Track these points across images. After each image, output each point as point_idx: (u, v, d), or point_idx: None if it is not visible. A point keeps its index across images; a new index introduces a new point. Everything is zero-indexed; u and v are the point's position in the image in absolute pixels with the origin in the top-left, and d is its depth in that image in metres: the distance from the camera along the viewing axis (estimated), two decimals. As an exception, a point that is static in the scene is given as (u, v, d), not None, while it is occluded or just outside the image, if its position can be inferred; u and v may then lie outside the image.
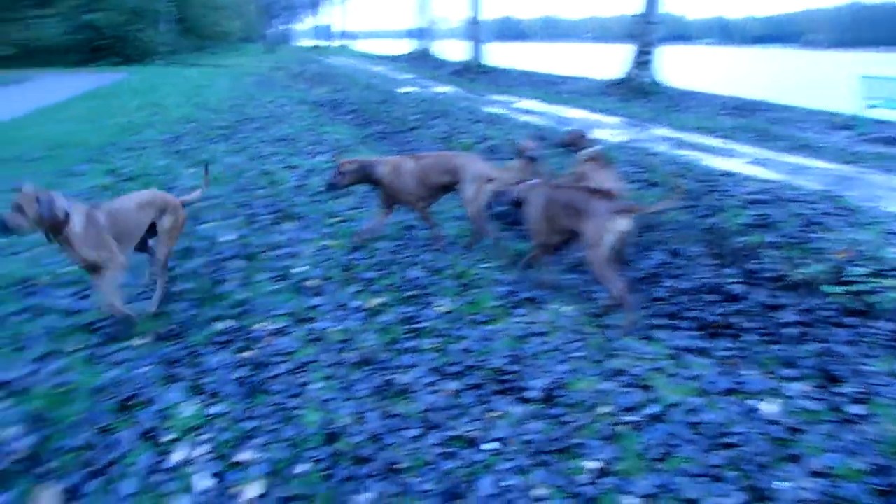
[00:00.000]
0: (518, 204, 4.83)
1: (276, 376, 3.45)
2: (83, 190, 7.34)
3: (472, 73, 25.86)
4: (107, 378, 3.44)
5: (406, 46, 47.05)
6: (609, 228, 4.08)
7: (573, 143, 5.71)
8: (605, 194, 4.32)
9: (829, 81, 26.27)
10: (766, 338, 4.08)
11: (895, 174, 8.07)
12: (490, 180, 5.18)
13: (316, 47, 67.55)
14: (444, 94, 18.22)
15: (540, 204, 4.56)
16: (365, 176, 5.28)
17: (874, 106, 12.45)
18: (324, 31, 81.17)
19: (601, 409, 3.15)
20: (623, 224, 4.11)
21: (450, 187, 5.35)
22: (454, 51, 37.33)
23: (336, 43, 74.18)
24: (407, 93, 18.22)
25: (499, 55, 31.62)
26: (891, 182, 7.62)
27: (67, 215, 3.64)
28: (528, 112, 14.09)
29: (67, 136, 11.36)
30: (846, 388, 3.38)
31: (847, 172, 8.15)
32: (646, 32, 17.92)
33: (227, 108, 14.99)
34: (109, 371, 3.51)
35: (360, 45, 73.26)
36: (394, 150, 9.71)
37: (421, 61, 36.51)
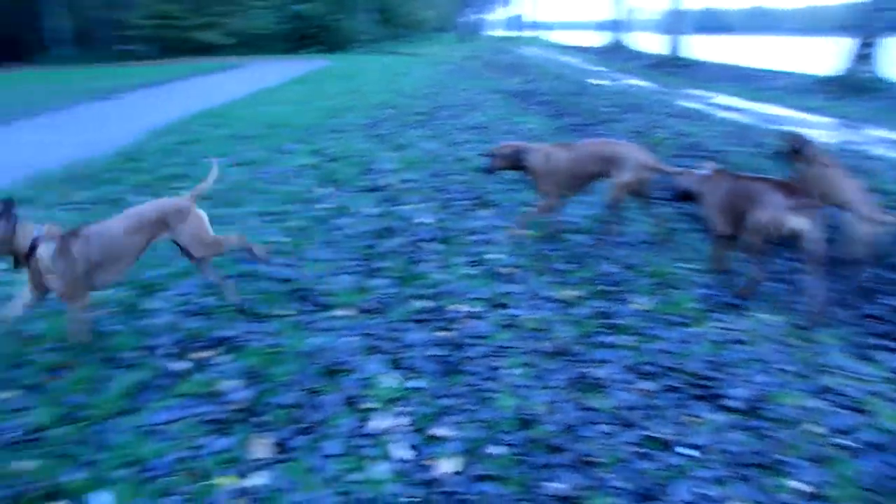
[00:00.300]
0: (686, 196, 4.67)
1: (471, 358, 3.53)
2: (293, 167, 7.90)
3: (669, 66, 24.94)
4: (313, 344, 3.68)
5: (598, 38, 46.26)
6: (781, 222, 3.93)
7: (796, 149, 5.15)
8: (791, 189, 4.08)
9: None
10: None
11: None
12: (651, 169, 4.98)
13: (507, 37, 67.98)
14: (639, 87, 17.75)
15: (719, 194, 4.38)
16: (517, 161, 5.18)
17: None
18: (515, 22, 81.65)
19: (809, 428, 2.95)
20: (799, 223, 3.89)
21: (600, 177, 5.16)
22: (649, 43, 36.18)
23: (527, 33, 74.31)
24: (599, 85, 17.94)
25: (698, 48, 30.24)
26: None
27: (34, 246, 3.47)
28: (727, 109, 13.40)
29: (278, 117, 12.25)
30: None
31: None
32: (871, 21, 16.27)
33: (422, 94, 15.50)
34: (315, 338, 3.75)
35: (552, 36, 72.94)
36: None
37: (614, 53, 35.74)
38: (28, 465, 2.77)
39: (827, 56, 18.65)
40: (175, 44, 39.86)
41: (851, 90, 15.73)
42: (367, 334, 3.79)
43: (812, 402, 3.14)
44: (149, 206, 3.89)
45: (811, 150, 5.03)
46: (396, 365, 3.47)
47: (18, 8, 37.50)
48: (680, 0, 26.91)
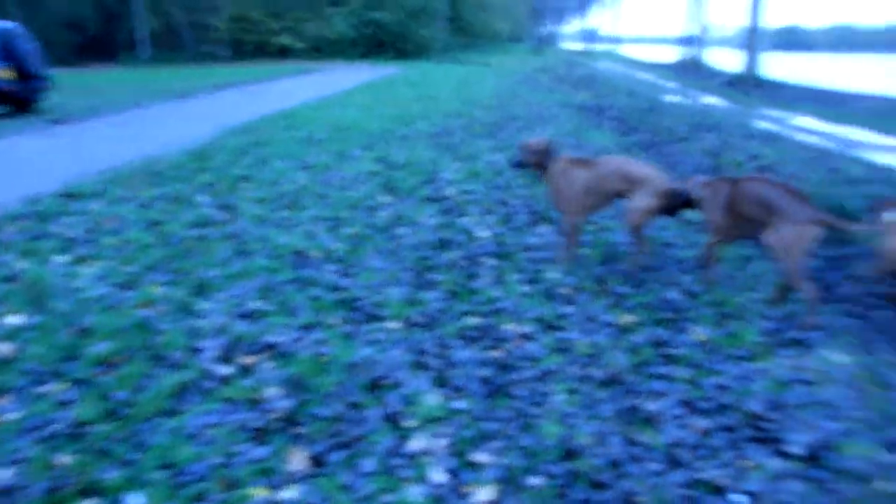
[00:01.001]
0: (688, 203, 4.69)
1: (519, 381, 3.41)
2: (357, 173, 7.92)
3: (747, 85, 24.27)
4: (360, 355, 3.61)
5: (674, 53, 45.45)
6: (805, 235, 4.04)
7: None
8: (802, 196, 4.14)
9: None
10: None
11: None
12: (669, 193, 4.70)
13: (582, 51, 67.38)
14: (714, 106, 17.29)
15: (723, 199, 4.47)
16: (544, 162, 4.93)
17: None
18: (589, 35, 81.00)
19: (880, 486, 2.72)
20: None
21: (619, 197, 4.86)
22: (727, 60, 35.36)
23: (601, 47, 73.60)
24: (673, 102, 17.55)
25: (778, 67, 29.39)
26: None
27: None
28: (807, 131, 12.90)
29: (348, 122, 12.39)
30: None
31: None
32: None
33: (492, 105, 15.45)
34: (363, 349, 3.69)
35: (626, 50, 72.04)
36: (658, 162, 9.35)
37: (689, 70, 35.08)
38: (67, 459, 2.78)
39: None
40: (253, 47, 41.01)
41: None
42: (415, 349, 3.71)
43: (885, 457, 2.90)
44: None
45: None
46: (441, 383, 3.37)
47: (108, 10, 39.22)
48: (759, 16, 26.09)
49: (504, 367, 3.55)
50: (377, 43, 42.08)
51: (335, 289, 4.51)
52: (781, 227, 4.10)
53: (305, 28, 41.71)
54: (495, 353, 3.68)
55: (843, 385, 3.50)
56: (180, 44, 41.59)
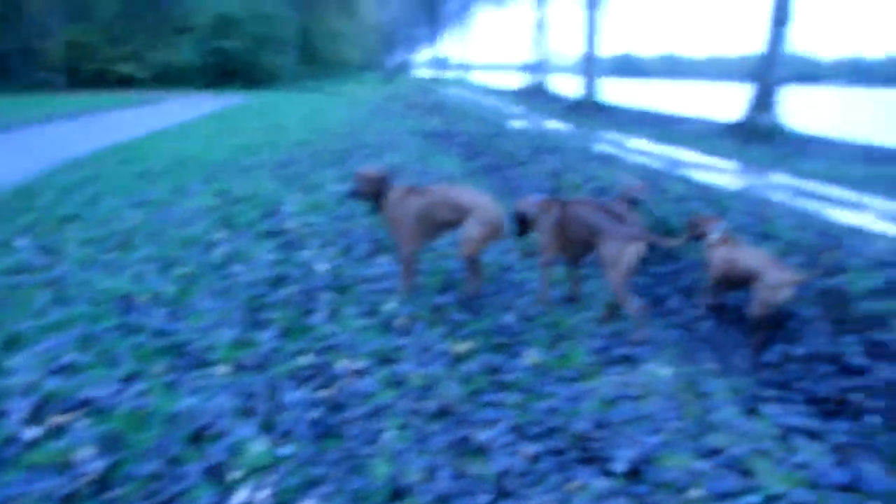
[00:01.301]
0: (525, 222, 4.95)
1: (351, 420, 3.33)
2: (194, 208, 7.60)
3: (586, 109, 25.50)
4: (184, 405, 3.41)
5: (520, 79, 47.13)
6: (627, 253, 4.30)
7: (695, 229, 4.95)
8: (621, 217, 4.44)
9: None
10: (893, 423, 3.63)
11: None
12: (500, 224, 4.73)
13: (433, 78, 68.66)
14: (556, 130, 18.01)
15: (553, 220, 4.75)
16: (379, 192, 4.88)
17: None
18: (440, 62, 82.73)
19: (692, 493, 2.85)
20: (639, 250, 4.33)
21: (453, 225, 4.85)
22: (569, 86, 37.05)
23: (452, 74, 75.26)
24: (518, 127, 18.13)
25: (615, 92, 31.12)
26: None
27: None
28: (640, 153, 13.68)
29: (189, 154, 11.94)
30: None
31: None
32: (768, 72, 17.01)
33: (341, 133, 15.37)
34: (188, 398, 3.49)
35: (476, 77, 74.04)
36: (500, 185, 9.59)
37: (534, 95, 36.43)
38: None
39: (736, 103, 19.35)
40: (92, 75, 38.85)
41: (755, 136, 16.34)
42: (243, 394, 3.54)
43: (698, 464, 3.04)
44: None
45: (708, 229, 4.94)
46: (269, 428, 3.24)
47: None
48: (595, 45, 27.59)
49: (335, 406, 3.46)
50: (225, 71, 41.03)
51: (161, 334, 4.26)
52: (605, 245, 4.31)
53: (149, 56, 39.98)
54: (327, 392, 3.58)
55: (666, 397, 3.65)
56: (8, 71, 38.67)
